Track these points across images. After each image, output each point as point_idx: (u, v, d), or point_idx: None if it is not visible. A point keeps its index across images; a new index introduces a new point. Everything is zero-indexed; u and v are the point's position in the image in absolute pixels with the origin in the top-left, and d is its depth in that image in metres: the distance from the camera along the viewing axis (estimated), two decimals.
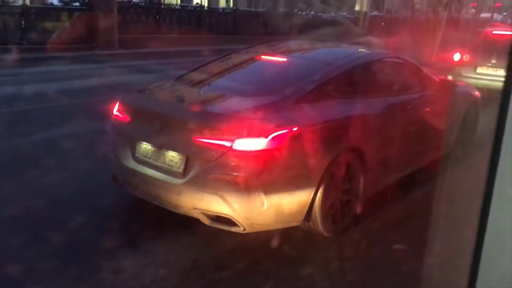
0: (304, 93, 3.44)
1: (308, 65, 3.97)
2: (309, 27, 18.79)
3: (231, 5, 28.37)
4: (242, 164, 2.96)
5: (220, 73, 4.16)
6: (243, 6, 26.66)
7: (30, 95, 7.68)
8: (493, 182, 0.90)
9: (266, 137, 2.97)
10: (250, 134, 2.99)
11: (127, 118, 3.52)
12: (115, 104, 3.62)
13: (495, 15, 35.98)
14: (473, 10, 36.48)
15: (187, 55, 12.23)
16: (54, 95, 7.70)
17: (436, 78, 4.83)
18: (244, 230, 3.06)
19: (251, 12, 23.73)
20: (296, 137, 3.08)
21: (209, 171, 3.00)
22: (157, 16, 16.22)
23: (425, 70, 4.77)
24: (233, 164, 2.97)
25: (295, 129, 3.08)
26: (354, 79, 3.94)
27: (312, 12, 25.18)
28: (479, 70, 8.73)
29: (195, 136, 3.06)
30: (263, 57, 4.34)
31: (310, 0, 27.67)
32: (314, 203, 3.25)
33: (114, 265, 3.01)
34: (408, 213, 3.95)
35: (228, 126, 3.03)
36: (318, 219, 3.30)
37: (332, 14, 26.33)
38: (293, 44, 4.97)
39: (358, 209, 3.63)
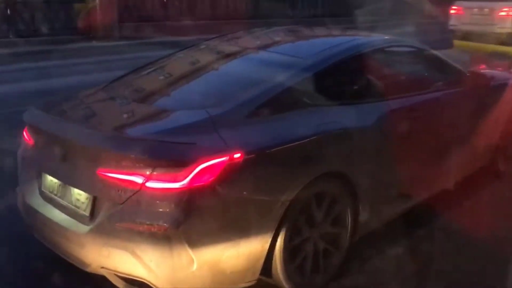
0: (260, 102, 2.73)
1: (275, 62, 3.23)
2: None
3: None
4: (159, 208, 2.32)
5: (158, 78, 3.48)
6: None
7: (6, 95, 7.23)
8: None
9: (192, 169, 2.31)
10: (169, 166, 2.34)
11: (32, 142, 2.94)
12: None
13: None
14: None
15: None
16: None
17: (466, 70, 3.99)
18: None
19: None
20: (240, 167, 2.40)
21: (117, 217, 2.39)
22: (165, 1, 15.72)
23: (450, 60, 3.94)
24: (147, 208, 2.33)
25: (237, 155, 2.40)
26: (340, 79, 3.19)
27: None
28: None
29: (100, 169, 2.44)
30: (216, 53, 3.64)
31: None
32: (274, 255, 2.59)
33: None
34: (419, 259, 3.18)
35: (139, 154, 2.37)
36: (281, 275, 2.65)
37: None
38: (261, 33, 4.17)
39: (342, 258, 2.94)
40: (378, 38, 3.76)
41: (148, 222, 2.32)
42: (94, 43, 13.05)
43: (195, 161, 2.32)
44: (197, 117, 2.63)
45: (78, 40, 12.94)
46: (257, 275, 2.59)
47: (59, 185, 2.73)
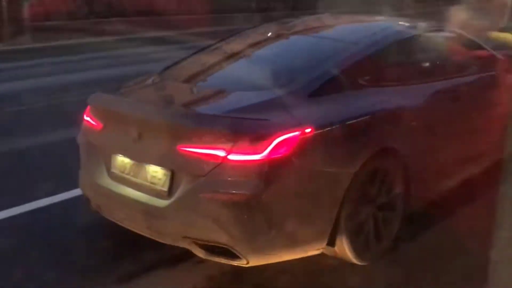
0: (321, 83, 3.05)
1: (328, 47, 3.56)
2: None
3: None
4: (241, 179, 2.62)
5: (216, 63, 3.79)
6: None
7: None
8: None
9: (270, 142, 2.61)
10: (250, 140, 2.63)
11: (99, 125, 3.20)
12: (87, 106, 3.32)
13: None
14: None
15: (131, 46, 11.13)
16: None
17: (500, 55, 4.31)
18: (248, 263, 2.72)
19: None
20: (310, 141, 2.72)
21: (200, 188, 2.68)
22: None
23: (485, 46, 4.25)
24: (229, 178, 2.63)
25: (308, 130, 2.71)
26: (388, 62, 3.52)
27: None
28: None
29: (180, 145, 2.73)
30: (270, 39, 3.97)
31: None
32: (339, 224, 2.88)
33: None
34: (464, 231, 3.46)
35: (221, 130, 2.68)
36: (345, 244, 2.93)
37: None
38: (310, 20, 4.54)
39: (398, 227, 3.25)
40: (420, 24, 4.08)
41: (231, 191, 2.62)
42: None
43: (272, 135, 2.62)
44: (267, 96, 2.96)
45: None
46: (324, 244, 2.88)
47: (132, 164, 3.00)
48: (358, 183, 2.90)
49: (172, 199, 2.76)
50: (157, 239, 2.93)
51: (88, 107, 3.30)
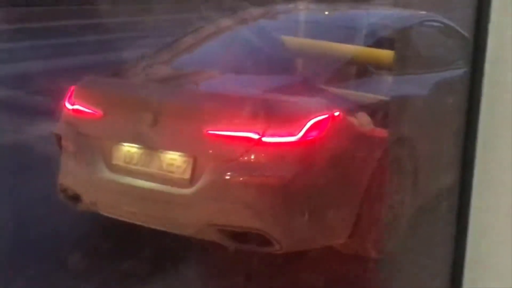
0: (334, 70, 3.19)
1: (336, 33, 3.60)
2: None
3: None
4: (275, 161, 2.64)
5: (220, 46, 3.74)
6: None
7: None
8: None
9: (304, 123, 2.64)
10: (285, 121, 2.66)
11: (98, 112, 3.01)
12: (68, 94, 3.10)
13: None
14: None
15: None
16: None
17: None
18: (281, 249, 2.67)
19: None
20: (339, 123, 2.77)
21: (230, 173, 2.65)
22: None
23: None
24: (263, 161, 2.65)
25: (337, 113, 2.75)
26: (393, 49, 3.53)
27: None
28: None
29: (207, 128, 2.67)
30: (275, 26, 3.94)
31: None
32: (362, 213, 2.85)
33: None
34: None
35: (254, 111, 2.67)
36: (366, 233, 2.87)
37: None
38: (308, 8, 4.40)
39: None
40: (415, 12, 4.23)
41: (266, 174, 2.61)
42: None
43: (306, 117, 2.66)
44: (290, 80, 3.05)
45: None
46: (349, 232, 2.82)
47: (142, 153, 2.85)
48: (378, 171, 2.89)
49: (196, 186, 2.68)
50: (175, 232, 2.80)
51: (73, 93, 3.10)
